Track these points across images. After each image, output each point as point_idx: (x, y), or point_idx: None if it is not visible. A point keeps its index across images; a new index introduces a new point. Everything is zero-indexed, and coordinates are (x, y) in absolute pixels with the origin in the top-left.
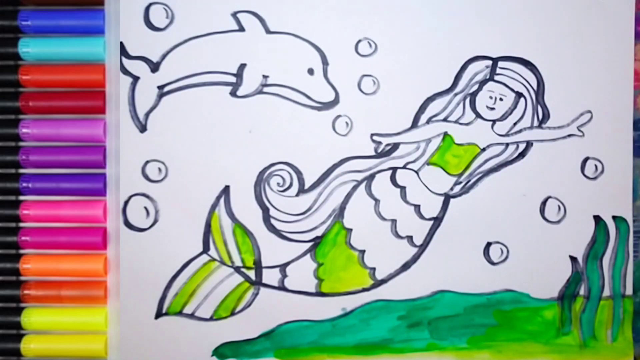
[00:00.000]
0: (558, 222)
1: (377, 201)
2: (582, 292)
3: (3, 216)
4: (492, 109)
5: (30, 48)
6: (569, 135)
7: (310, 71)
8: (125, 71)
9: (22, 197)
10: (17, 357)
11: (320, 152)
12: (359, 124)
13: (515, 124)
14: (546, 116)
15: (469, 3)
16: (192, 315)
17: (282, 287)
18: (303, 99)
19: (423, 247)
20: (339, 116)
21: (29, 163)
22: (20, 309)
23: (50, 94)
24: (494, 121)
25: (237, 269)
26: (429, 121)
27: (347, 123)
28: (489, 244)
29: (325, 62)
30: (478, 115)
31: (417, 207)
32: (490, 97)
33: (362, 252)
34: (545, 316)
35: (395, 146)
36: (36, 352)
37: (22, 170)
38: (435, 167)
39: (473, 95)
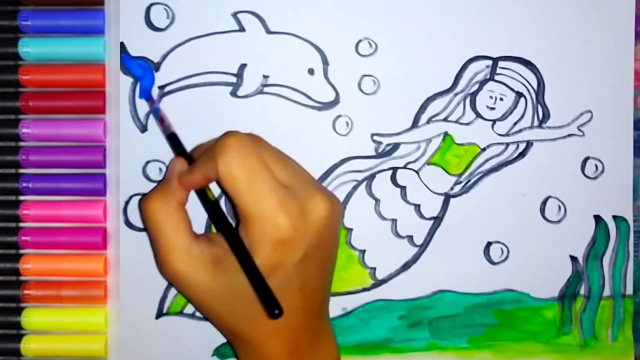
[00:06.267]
0: (558, 221)
1: (377, 201)
2: (582, 291)
3: (3, 216)
4: (493, 108)
5: (30, 48)
6: (569, 135)
7: (311, 71)
8: (125, 71)
9: (22, 197)
10: (17, 357)
11: (320, 152)
12: (359, 124)
13: (515, 123)
14: (546, 116)
15: (469, 3)
16: (192, 315)
17: None
18: (303, 99)
19: (423, 247)
20: (339, 116)
21: (29, 163)
22: (20, 309)
23: (50, 94)
24: (494, 121)
25: None
26: (429, 121)
27: (347, 123)
28: (489, 244)
29: (325, 62)
30: (478, 115)
31: (417, 207)
32: (491, 97)
33: (363, 251)
34: (545, 316)
35: (396, 146)
36: (36, 352)
37: (22, 170)
38: (435, 167)
39: (473, 95)
